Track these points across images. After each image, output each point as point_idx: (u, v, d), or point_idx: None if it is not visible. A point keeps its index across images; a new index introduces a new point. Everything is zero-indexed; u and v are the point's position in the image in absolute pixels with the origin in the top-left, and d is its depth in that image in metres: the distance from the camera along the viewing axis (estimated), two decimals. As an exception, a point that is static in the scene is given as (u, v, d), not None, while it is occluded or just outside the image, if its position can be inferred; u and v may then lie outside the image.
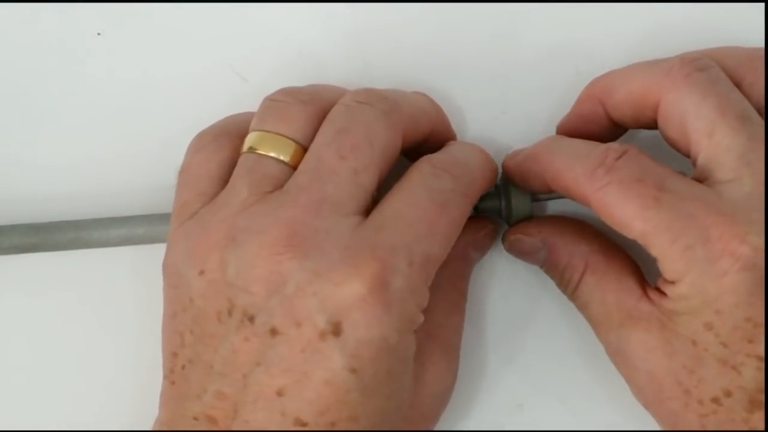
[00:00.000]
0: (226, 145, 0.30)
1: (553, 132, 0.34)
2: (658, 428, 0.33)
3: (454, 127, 0.34)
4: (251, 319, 0.27)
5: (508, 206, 0.33)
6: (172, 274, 0.29)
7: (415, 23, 0.35)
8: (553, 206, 0.34)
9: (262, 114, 0.30)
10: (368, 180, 0.28)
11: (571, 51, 0.34)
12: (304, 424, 0.26)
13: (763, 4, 0.34)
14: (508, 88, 0.35)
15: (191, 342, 0.28)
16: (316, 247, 0.26)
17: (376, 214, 0.28)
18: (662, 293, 0.29)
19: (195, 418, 0.27)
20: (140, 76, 0.35)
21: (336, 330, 0.26)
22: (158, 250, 0.30)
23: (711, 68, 0.29)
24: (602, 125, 0.32)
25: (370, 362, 0.26)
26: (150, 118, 0.35)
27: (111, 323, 0.35)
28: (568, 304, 0.33)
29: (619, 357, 0.30)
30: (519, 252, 0.33)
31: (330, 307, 0.26)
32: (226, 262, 0.27)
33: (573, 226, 0.32)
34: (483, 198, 0.32)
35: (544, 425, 0.34)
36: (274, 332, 0.26)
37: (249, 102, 0.35)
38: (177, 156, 0.32)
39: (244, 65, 0.35)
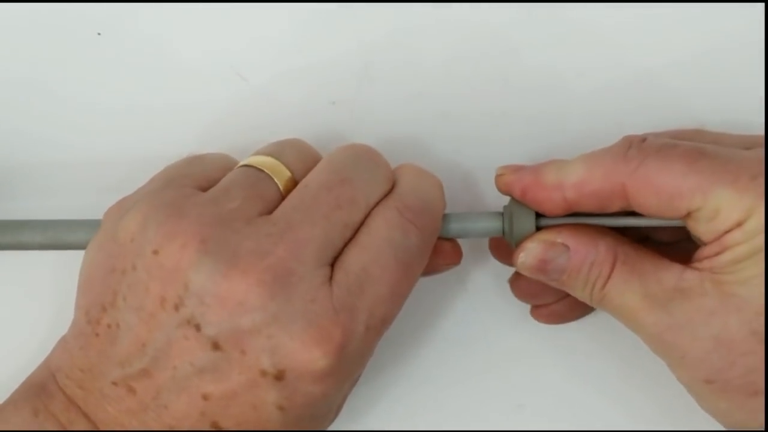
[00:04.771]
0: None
1: (554, 129, 0.34)
2: (657, 428, 0.33)
3: (454, 128, 0.34)
4: (197, 326, 0.26)
5: (511, 227, 0.30)
6: (124, 229, 0.28)
7: (415, 24, 0.35)
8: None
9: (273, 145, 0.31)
10: (349, 235, 0.28)
11: (572, 51, 0.34)
12: (220, 428, 0.27)
13: (762, 4, 0.34)
14: (508, 88, 0.35)
15: (123, 307, 0.27)
16: (284, 291, 0.26)
17: (342, 270, 0.28)
18: (711, 256, 0.27)
19: (114, 383, 0.28)
20: (140, 76, 0.35)
21: (279, 376, 0.26)
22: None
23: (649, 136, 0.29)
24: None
25: (300, 407, 0.27)
26: (150, 117, 0.35)
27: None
28: (568, 305, 0.33)
29: (670, 334, 0.28)
30: (537, 261, 0.30)
31: (279, 355, 0.26)
32: (189, 262, 0.26)
33: (589, 226, 0.30)
34: (486, 218, 0.31)
35: (544, 425, 0.34)
36: (216, 347, 0.27)
37: (249, 102, 0.35)
38: (177, 155, 0.32)
39: (244, 65, 0.35)
